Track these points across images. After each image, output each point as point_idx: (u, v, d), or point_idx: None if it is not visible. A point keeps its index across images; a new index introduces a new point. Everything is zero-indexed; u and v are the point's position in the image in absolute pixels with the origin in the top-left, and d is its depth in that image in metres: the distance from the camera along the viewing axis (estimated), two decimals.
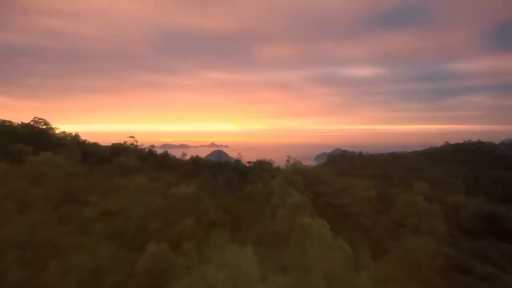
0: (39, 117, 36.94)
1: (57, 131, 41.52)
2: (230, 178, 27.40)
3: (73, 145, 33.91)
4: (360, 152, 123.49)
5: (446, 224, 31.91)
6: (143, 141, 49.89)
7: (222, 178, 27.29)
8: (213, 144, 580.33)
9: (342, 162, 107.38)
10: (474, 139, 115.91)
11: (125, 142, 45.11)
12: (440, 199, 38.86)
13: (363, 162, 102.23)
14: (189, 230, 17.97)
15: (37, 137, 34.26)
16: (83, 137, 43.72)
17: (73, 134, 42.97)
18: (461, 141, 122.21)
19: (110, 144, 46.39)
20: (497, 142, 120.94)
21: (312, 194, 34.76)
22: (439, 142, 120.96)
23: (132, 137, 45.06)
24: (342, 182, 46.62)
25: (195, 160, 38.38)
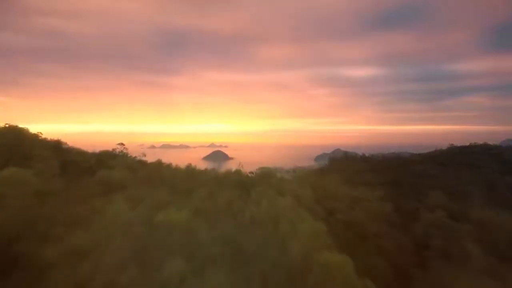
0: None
1: (40, 137, 37.48)
2: (231, 198, 23.29)
3: (50, 155, 29.62)
4: (364, 155, 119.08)
5: (478, 247, 27.84)
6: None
7: (221, 198, 23.19)
8: (212, 145, 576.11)
9: (345, 166, 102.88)
10: (474, 139, 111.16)
11: (114, 149, 40.95)
12: (465, 214, 34.67)
13: (368, 166, 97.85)
14: (176, 277, 13.84)
15: (11, 146, 30.00)
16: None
17: (56, 140, 38.74)
18: (467, 143, 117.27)
19: (98, 152, 42.18)
20: (497, 142, 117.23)
21: (323, 210, 30.73)
22: (441, 143, 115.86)
23: (122, 144, 40.91)
24: (352, 193, 42.52)
25: (191, 172, 34.26)
